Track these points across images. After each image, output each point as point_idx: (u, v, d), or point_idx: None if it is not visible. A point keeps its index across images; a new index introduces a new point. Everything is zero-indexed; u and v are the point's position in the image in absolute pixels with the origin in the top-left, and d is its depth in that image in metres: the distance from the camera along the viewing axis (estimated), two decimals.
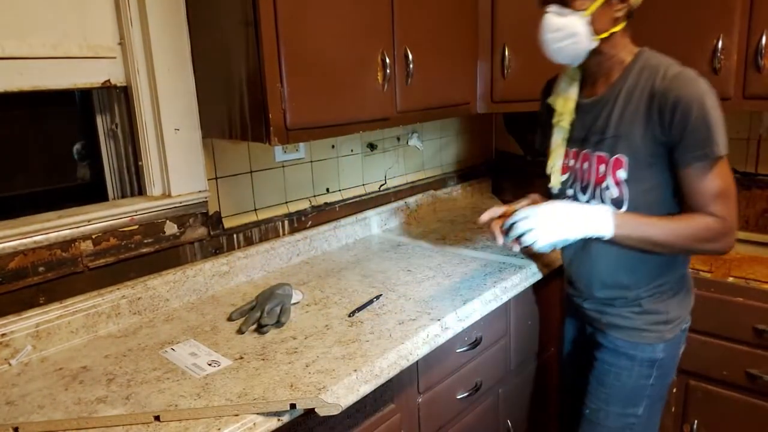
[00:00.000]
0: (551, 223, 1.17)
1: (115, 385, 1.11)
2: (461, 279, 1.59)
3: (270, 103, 1.34)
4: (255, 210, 1.75)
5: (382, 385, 1.19)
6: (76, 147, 1.56)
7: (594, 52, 1.19)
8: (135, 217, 1.45)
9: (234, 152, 1.67)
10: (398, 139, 2.20)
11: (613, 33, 1.18)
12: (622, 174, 1.18)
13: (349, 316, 1.39)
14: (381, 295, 1.50)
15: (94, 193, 1.52)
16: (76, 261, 1.36)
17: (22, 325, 1.23)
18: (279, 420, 1.01)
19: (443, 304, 1.43)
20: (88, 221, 1.37)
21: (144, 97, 1.45)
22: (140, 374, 1.15)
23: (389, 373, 1.18)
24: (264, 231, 1.77)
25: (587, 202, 1.25)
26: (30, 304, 1.28)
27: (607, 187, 1.21)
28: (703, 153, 1.10)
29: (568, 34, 1.16)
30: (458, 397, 1.48)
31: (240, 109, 1.42)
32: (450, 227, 2.11)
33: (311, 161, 1.90)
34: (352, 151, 2.03)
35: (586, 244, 1.28)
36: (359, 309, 1.41)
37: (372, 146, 2.09)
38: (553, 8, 1.16)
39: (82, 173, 1.56)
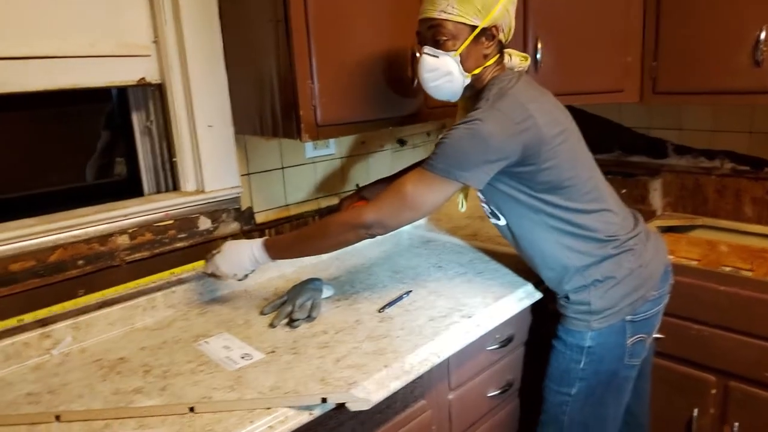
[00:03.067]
0: (223, 264, 1.37)
1: (151, 376, 1.14)
2: (493, 276, 1.58)
3: (300, 99, 1.34)
4: (286, 206, 1.77)
5: (413, 381, 1.19)
6: (113, 144, 1.59)
7: (470, 87, 1.29)
8: (170, 212, 1.48)
9: (266, 149, 1.69)
10: (428, 134, 2.18)
11: (486, 67, 1.28)
12: (479, 194, 1.41)
13: (379, 311, 1.39)
14: (411, 291, 1.49)
15: (130, 188, 1.55)
16: (114, 255, 1.39)
17: (62, 316, 1.27)
18: (310, 414, 1.02)
19: (474, 301, 1.42)
20: (125, 216, 1.40)
21: (178, 95, 1.47)
22: (175, 366, 1.17)
23: (420, 369, 1.18)
24: (295, 226, 1.78)
25: (492, 216, 1.44)
26: (70, 296, 1.32)
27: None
28: (424, 160, 1.25)
29: (442, 73, 1.26)
30: (489, 395, 1.47)
31: (271, 106, 1.43)
32: (481, 223, 2.09)
33: (341, 157, 1.90)
34: (381, 146, 2.03)
35: (516, 247, 1.43)
36: (389, 305, 1.41)
37: (402, 142, 2.08)
38: (428, 49, 1.26)
39: (119, 169, 1.60)
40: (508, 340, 1.48)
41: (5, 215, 1.29)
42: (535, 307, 1.53)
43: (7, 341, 1.19)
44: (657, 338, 1.55)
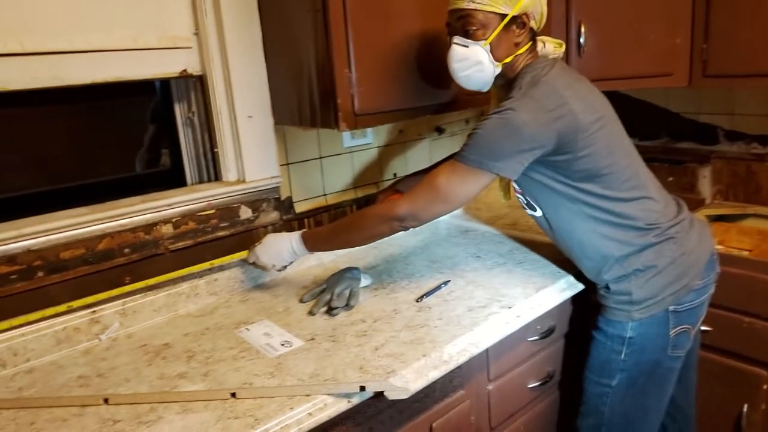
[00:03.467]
0: (263, 255, 1.43)
1: (195, 362, 1.17)
2: (534, 266, 1.55)
3: (338, 88, 1.34)
4: (324, 195, 1.78)
5: (451, 371, 1.18)
6: (158, 135, 1.63)
7: (501, 76, 1.28)
8: (212, 201, 1.51)
9: (304, 138, 1.70)
10: (466, 122, 2.16)
11: (518, 55, 1.27)
12: (515, 185, 1.39)
13: (417, 301, 1.38)
14: (449, 281, 1.48)
15: (174, 179, 1.59)
16: (158, 243, 1.43)
17: (110, 303, 1.31)
18: (349, 402, 1.03)
19: (514, 292, 1.40)
20: (169, 206, 1.44)
21: (218, 86, 1.49)
22: (217, 352, 1.20)
23: (458, 359, 1.17)
24: (333, 216, 1.79)
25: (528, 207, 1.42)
26: (117, 283, 1.36)
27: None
28: (457, 152, 1.25)
29: (472, 63, 1.25)
30: (530, 386, 1.45)
31: (309, 96, 1.43)
32: (520, 212, 2.05)
33: (378, 146, 1.90)
34: (419, 135, 2.01)
35: (554, 238, 1.41)
36: (427, 294, 1.41)
37: (440, 130, 2.06)
38: (457, 39, 1.25)
39: (163, 160, 1.64)
40: (549, 332, 1.46)
41: (57, 205, 1.34)
42: (577, 298, 1.50)
43: (59, 326, 1.24)
44: (704, 331, 1.50)
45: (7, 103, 1.30)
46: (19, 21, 1.20)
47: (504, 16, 1.21)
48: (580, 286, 1.48)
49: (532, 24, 1.26)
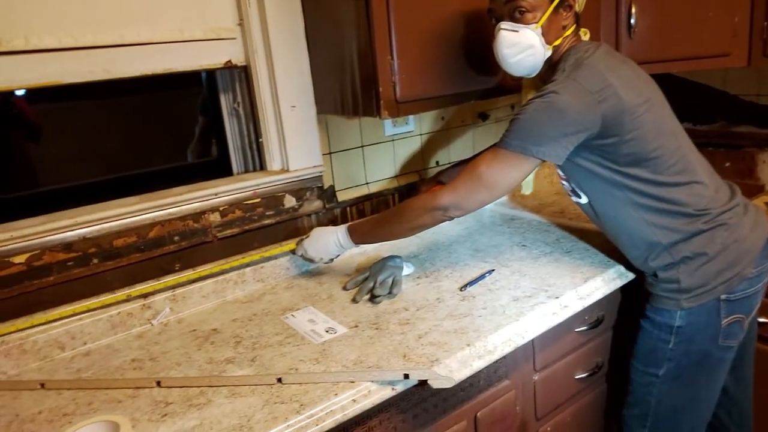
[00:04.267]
0: (310, 248, 1.45)
1: (242, 347, 1.19)
2: (582, 255, 1.51)
3: (380, 76, 1.34)
4: (366, 184, 1.78)
5: (496, 361, 1.17)
6: (205, 126, 1.67)
7: (547, 60, 1.26)
8: (257, 190, 1.53)
9: (346, 127, 1.70)
10: (512, 107, 2.11)
11: (565, 38, 1.25)
12: (559, 171, 1.36)
13: (461, 290, 1.37)
14: (493, 270, 1.46)
15: (221, 168, 1.62)
16: (206, 231, 1.46)
17: (161, 289, 1.35)
18: (393, 389, 1.03)
19: (562, 281, 1.36)
20: (216, 195, 1.47)
21: (262, 76, 1.51)
22: (264, 338, 1.22)
23: (503, 350, 1.15)
24: (375, 204, 1.79)
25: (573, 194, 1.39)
26: (167, 270, 1.41)
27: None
28: (500, 139, 1.22)
29: (523, 47, 1.23)
30: (577, 377, 1.42)
31: (351, 84, 1.43)
32: (568, 200, 1.99)
33: (420, 134, 1.88)
34: (462, 122, 1.98)
35: (600, 225, 1.39)
36: (471, 283, 1.39)
37: (484, 116, 2.03)
38: (505, 25, 1.23)
39: (211, 150, 1.67)
40: (598, 322, 1.42)
41: (111, 195, 1.39)
42: (628, 288, 1.45)
43: (114, 311, 1.28)
44: (761, 323, 1.43)
45: (63, 96, 1.36)
46: (71, 16, 1.24)
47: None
48: (631, 276, 1.43)
49: (576, 7, 1.25)
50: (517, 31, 1.22)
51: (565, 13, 1.23)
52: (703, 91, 2.20)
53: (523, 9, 1.20)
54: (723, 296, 1.24)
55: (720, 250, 1.23)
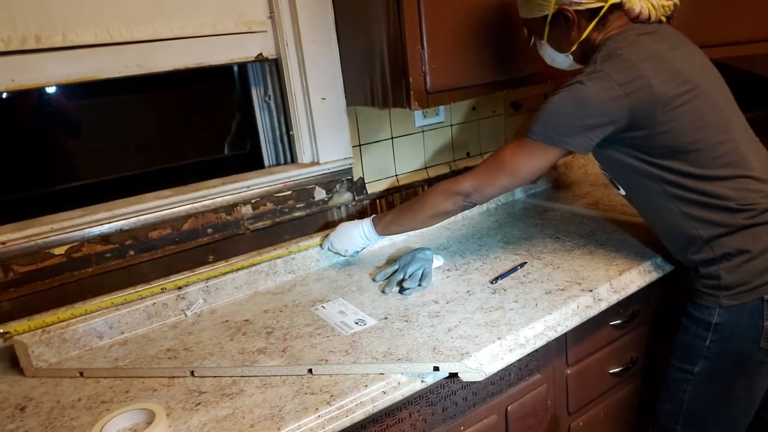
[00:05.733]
0: (336, 242, 1.49)
1: (273, 338, 1.20)
2: (617, 247, 1.47)
3: (410, 66, 1.32)
4: (396, 176, 1.77)
5: (528, 355, 1.15)
6: (238, 119, 1.68)
7: (579, 54, 1.28)
8: (288, 183, 1.54)
9: (376, 119, 1.69)
10: (545, 96, 2.06)
11: (582, 41, 1.24)
12: (598, 162, 1.36)
13: (492, 282, 1.35)
14: (525, 262, 1.44)
15: (253, 161, 1.64)
16: (239, 223, 1.48)
17: (195, 280, 1.38)
18: (423, 381, 1.02)
19: (596, 274, 1.33)
20: (248, 187, 1.48)
21: (293, 69, 1.51)
22: (295, 329, 1.23)
23: (535, 343, 1.14)
24: (405, 196, 1.78)
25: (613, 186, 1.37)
26: (201, 261, 1.43)
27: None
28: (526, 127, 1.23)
29: (548, 58, 1.34)
30: (611, 372, 1.39)
31: (381, 75, 1.42)
32: (603, 191, 1.96)
33: (451, 125, 1.86)
34: (494, 112, 1.96)
35: (641, 216, 1.37)
36: (502, 276, 1.37)
37: (516, 106, 2.00)
38: (534, 39, 1.34)
39: (243, 143, 1.69)
40: (633, 316, 1.39)
41: (146, 188, 1.42)
42: (667, 280, 1.41)
43: (149, 302, 1.31)
44: None
45: (99, 92, 1.39)
46: (106, 12, 1.26)
47: (545, 17, 1.24)
48: (668, 268, 1.39)
49: (577, 8, 1.20)
50: (540, 47, 1.32)
51: (565, 25, 1.23)
52: (747, 79, 2.11)
53: (530, 31, 1.32)
54: (767, 296, 1.19)
55: (765, 248, 1.18)
